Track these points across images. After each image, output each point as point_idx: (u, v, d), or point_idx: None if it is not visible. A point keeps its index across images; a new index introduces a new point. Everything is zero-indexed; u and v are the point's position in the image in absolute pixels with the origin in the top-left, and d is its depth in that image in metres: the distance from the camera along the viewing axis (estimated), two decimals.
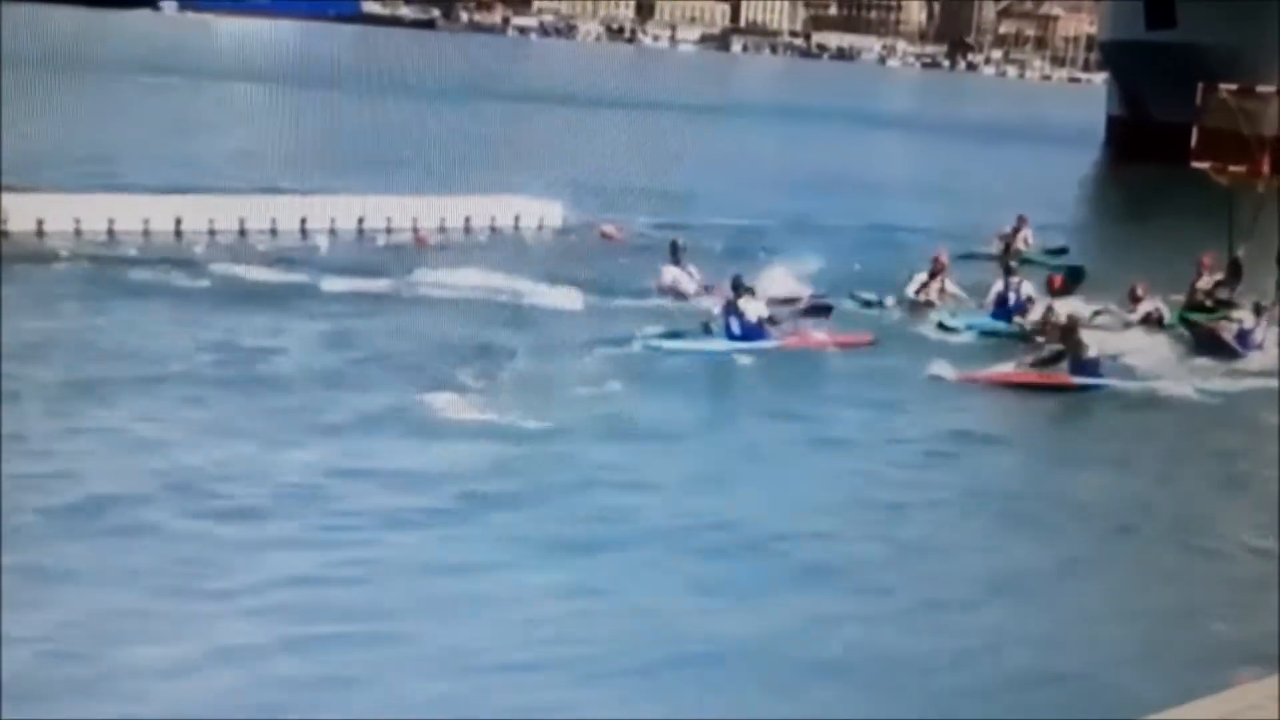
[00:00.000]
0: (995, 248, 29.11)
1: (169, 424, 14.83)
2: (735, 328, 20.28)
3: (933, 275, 24.24)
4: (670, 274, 23.53)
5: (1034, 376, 19.47)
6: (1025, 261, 27.84)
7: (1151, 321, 23.41)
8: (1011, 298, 23.03)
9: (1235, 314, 23.01)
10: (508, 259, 25.87)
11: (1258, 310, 22.50)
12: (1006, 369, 19.64)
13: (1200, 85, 38.51)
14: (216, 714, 9.33)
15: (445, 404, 15.97)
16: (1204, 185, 31.35)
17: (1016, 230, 30.14)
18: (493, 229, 29.48)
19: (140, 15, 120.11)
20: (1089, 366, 19.41)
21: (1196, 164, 32.51)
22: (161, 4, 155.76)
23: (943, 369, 19.38)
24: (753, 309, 20.36)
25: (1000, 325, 22.63)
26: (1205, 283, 25.06)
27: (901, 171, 55.13)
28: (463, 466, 14.13)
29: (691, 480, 14.60)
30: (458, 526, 12.76)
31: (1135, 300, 23.75)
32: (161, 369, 16.92)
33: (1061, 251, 29.74)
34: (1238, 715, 8.11)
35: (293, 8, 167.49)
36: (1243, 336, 22.07)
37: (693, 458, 15.55)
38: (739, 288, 20.57)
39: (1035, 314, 22.08)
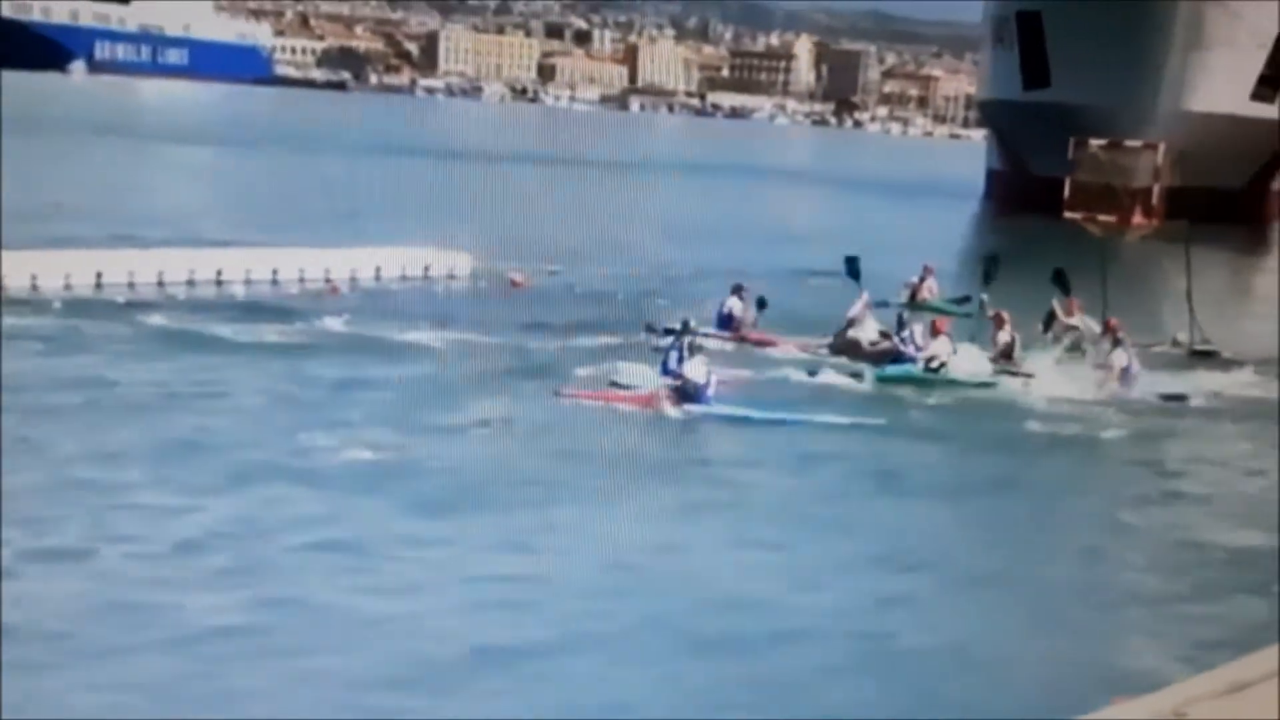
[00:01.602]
0: (903, 296, 30.05)
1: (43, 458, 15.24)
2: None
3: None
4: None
5: (625, 397, 19.95)
6: (931, 309, 29.18)
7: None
8: (910, 348, 23.84)
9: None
10: (413, 306, 27.01)
11: (1117, 344, 23.73)
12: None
13: (1072, 140, 40.04)
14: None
15: (333, 443, 16.71)
16: (1078, 233, 32.64)
17: (922, 280, 31.17)
18: (403, 278, 30.50)
19: (49, 78, 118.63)
20: (695, 393, 19.70)
21: (1069, 214, 33.71)
22: (70, 67, 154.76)
23: (564, 387, 20.01)
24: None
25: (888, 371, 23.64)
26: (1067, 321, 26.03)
27: (797, 222, 56.58)
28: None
29: None
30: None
31: (1000, 326, 24.79)
32: (46, 405, 17.39)
33: (964, 300, 30.68)
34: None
35: (207, 71, 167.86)
36: (1123, 378, 23.23)
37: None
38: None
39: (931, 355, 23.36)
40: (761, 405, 20.34)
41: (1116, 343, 23.83)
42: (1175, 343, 27.11)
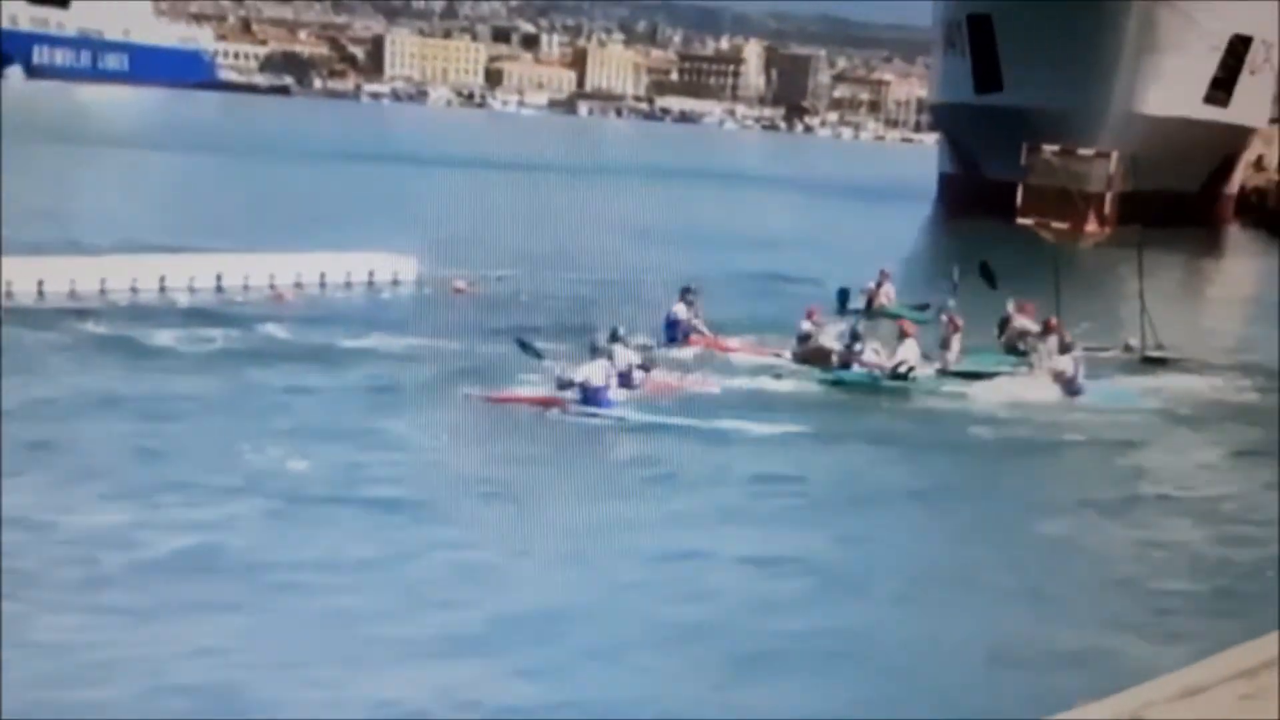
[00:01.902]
0: (859, 303, 29.72)
1: None
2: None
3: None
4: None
5: (533, 397, 19.98)
6: (890, 315, 28.96)
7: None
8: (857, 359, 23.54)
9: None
10: (356, 312, 27.02)
11: (1065, 349, 23.59)
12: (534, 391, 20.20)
13: (1024, 145, 39.97)
14: None
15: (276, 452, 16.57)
16: (1031, 236, 32.63)
17: (879, 285, 30.89)
18: (348, 284, 30.21)
19: None
20: (594, 396, 19.70)
21: (1022, 220, 33.60)
22: (6, 72, 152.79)
23: (471, 389, 20.08)
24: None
25: (844, 375, 23.53)
26: (1020, 326, 25.94)
27: (751, 226, 56.18)
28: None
29: None
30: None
31: (955, 330, 24.79)
32: None
33: (924, 308, 29.82)
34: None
35: (148, 76, 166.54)
36: (1070, 383, 23.16)
37: None
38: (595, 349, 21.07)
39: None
40: (688, 411, 20.09)
41: (1065, 347, 23.66)
42: (1128, 348, 26.98)
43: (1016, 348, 25.85)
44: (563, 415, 19.49)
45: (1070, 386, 23.08)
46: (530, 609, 12.45)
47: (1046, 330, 24.39)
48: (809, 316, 24.90)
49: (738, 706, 10.95)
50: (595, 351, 19.94)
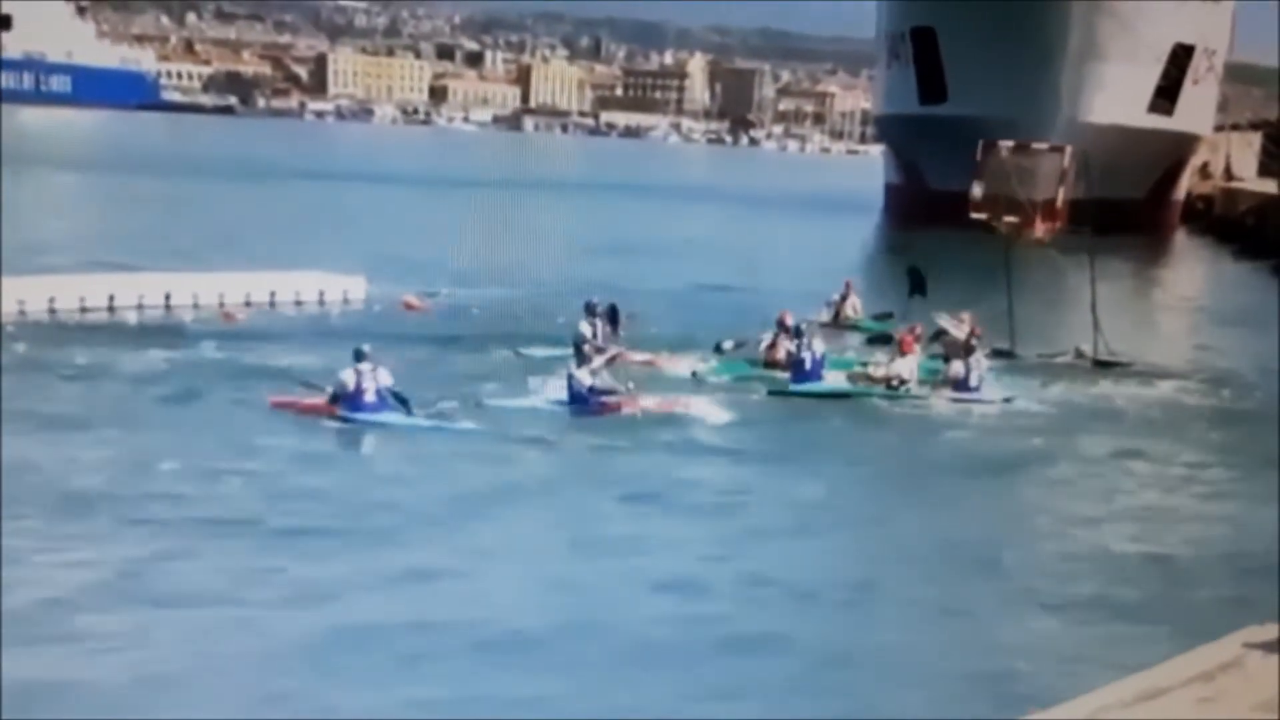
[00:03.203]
0: (824, 315, 29.21)
1: None
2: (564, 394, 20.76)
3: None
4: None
5: (308, 403, 19.86)
6: (854, 327, 28.79)
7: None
8: (806, 359, 23.12)
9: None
10: (301, 331, 26.59)
11: (968, 352, 23.41)
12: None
13: (981, 142, 39.97)
14: None
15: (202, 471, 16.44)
16: (979, 245, 32.57)
17: (844, 297, 30.31)
18: (298, 303, 29.95)
19: None
20: (350, 402, 19.53)
21: (975, 215, 33.58)
22: None
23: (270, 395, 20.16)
24: (584, 376, 20.71)
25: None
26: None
27: (698, 240, 56.23)
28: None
29: None
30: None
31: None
32: None
33: (887, 316, 29.14)
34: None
35: (91, 98, 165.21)
36: (961, 384, 22.92)
37: None
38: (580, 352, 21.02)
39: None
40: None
41: (969, 350, 23.48)
42: (1079, 354, 26.99)
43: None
44: (332, 421, 19.48)
45: (956, 389, 22.90)
46: None
47: (971, 336, 24.33)
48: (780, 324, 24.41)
49: None
50: (358, 356, 19.78)
